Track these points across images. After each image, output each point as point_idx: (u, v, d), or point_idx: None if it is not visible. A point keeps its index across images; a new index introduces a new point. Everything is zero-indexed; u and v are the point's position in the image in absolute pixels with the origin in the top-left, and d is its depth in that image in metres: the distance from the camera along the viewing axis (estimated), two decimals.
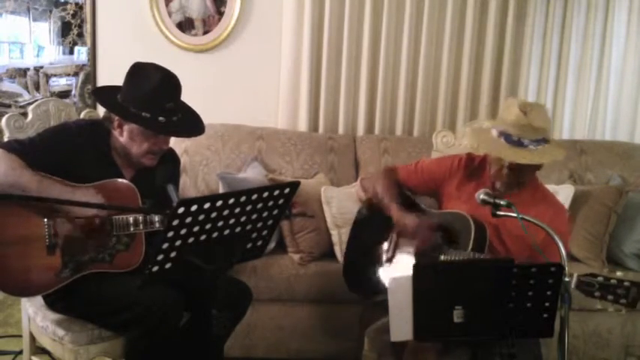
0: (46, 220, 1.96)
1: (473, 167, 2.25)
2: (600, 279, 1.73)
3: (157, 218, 2.02)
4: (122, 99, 2.06)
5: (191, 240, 1.60)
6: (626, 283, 1.70)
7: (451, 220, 2.15)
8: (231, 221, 1.64)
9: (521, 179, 2.10)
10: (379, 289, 2.24)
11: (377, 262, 2.30)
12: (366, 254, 2.36)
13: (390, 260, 2.27)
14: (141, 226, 2.03)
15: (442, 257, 2.09)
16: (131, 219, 2.02)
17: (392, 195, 2.30)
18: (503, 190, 2.13)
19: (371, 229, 2.37)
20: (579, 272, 1.76)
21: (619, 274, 1.73)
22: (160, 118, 2.03)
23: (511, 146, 2.01)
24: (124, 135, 2.07)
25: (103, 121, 2.13)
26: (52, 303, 2.13)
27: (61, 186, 1.97)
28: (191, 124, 2.17)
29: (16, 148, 1.98)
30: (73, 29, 3.49)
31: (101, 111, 2.27)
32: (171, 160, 2.27)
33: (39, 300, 2.19)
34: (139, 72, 2.06)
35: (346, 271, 2.43)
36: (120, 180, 2.08)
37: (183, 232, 1.57)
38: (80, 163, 2.04)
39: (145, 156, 2.09)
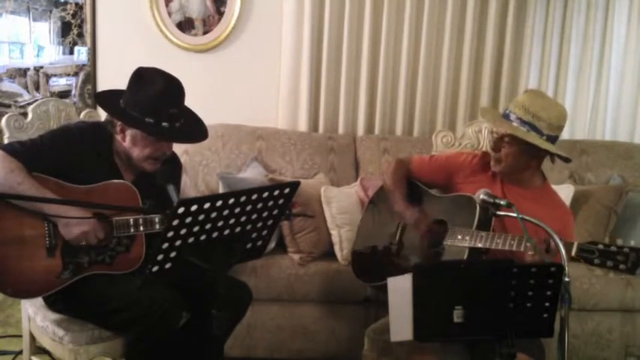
0: (46, 222, 1.96)
1: (485, 163, 2.26)
2: (600, 246, 1.75)
3: (157, 219, 2.02)
4: (125, 104, 2.06)
5: (191, 240, 1.60)
6: (625, 249, 1.71)
7: (456, 202, 2.18)
8: (231, 221, 1.64)
9: (508, 158, 2.10)
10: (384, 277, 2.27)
11: (384, 250, 2.33)
12: (374, 241, 2.38)
13: (397, 250, 2.28)
14: (141, 228, 2.02)
15: (447, 242, 2.09)
16: (131, 220, 2.01)
17: (399, 187, 2.34)
18: (493, 167, 2.16)
19: (380, 217, 2.41)
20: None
21: (619, 241, 1.74)
22: (164, 124, 2.02)
23: (500, 118, 2.11)
24: (126, 140, 2.07)
25: (105, 125, 2.13)
26: (52, 303, 2.12)
27: (60, 191, 1.96)
28: (194, 130, 2.17)
29: (17, 150, 1.98)
30: (73, 29, 3.49)
31: (102, 112, 2.26)
32: (172, 161, 2.27)
33: (39, 300, 2.19)
34: (143, 77, 2.06)
35: (354, 257, 2.46)
36: (119, 181, 2.08)
37: (183, 232, 1.57)
38: (82, 165, 2.04)
39: (146, 161, 2.08)
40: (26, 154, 1.97)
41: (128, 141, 2.07)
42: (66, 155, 2.02)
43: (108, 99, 2.14)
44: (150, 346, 1.98)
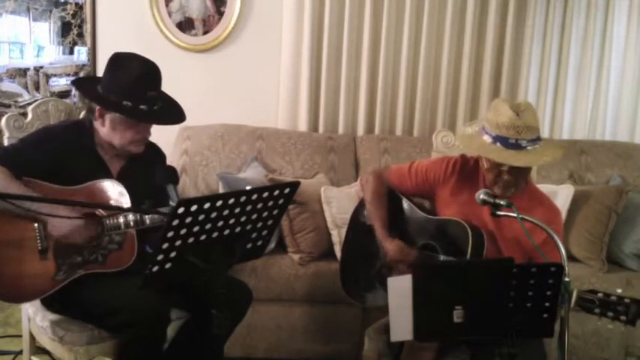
0: (36, 224, 1.95)
1: (467, 170, 2.20)
2: (600, 295, 1.73)
3: (147, 216, 2.02)
4: (103, 89, 2.07)
5: (191, 240, 1.60)
6: (626, 300, 1.70)
7: (447, 228, 2.13)
8: (231, 221, 1.64)
9: (519, 181, 2.06)
10: (375, 295, 2.24)
11: (373, 267, 2.29)
12: (362, 257, 2.35)
13: (387, 272, 2.23)
14: (131, 224, 2.03)
15: None
16: (122, 219, 2.02)
17: (379, 209, 2.27)
18: (500, 193, 2.04)
19: (366, 231, 2.36)
20: (579, 287, 1.76)
21: (619, 291, 1.73)
22: (142, 107, 2.03)
23: (509, 150, 1.95)
24: (105, 124, 2.07)
25: (85, 120, 2.14)
26: (49, 304, 2.12)
27: (47, 193, 1.96)
28: (172, 112, 2.17)
29: (1, 155, 1.98)
30: (73, 29, 3.49)
31: None
32: (159, 157, 2.28)
33: (37, 300, 2.18)
34: (119, 61, 2.07)
35: (342, 272, 2.43)
36: (106, 180, 2.07)
37: (183, 232, 1.57)
38: (67, 163, 2.04)
39: (130, 145, 2.09)
40: (10, 158, 1.98)
41: (107, 126, 2.07)
42: (49, 155, 2.03)
43: (86, 85, 2.15)
44: (140, 348, 1.99)
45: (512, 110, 1.95)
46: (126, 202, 2.05)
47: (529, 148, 1.95)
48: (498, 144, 1.97)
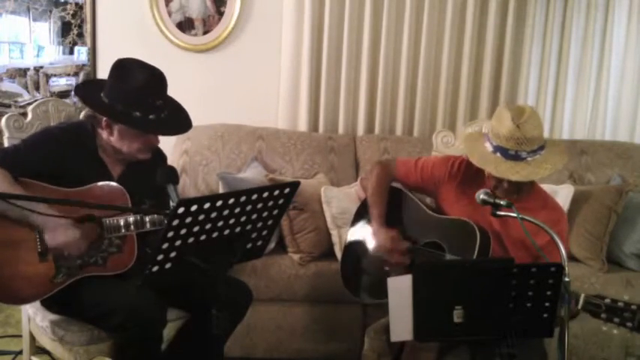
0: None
1: (472, 171, 2.19)
2: (607, 301, 1.74)
3: (147, 219, 2.02)
4: (109, 98, 2.05)
5: (191, 240, 1.60)
6: (633, 307, 1.70)
7: (455, 227, 2.12)
8: (231, 221, 1.64)
9: (521, 189, 2.04)
10: (376, 292, 2.24)
11: (373, 265, 2.30)
12: (363, 254, 2.35)
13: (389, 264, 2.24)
14: (132, 227, 2.02)
15: None
16: (122, 221, 2.01)
17: (379, 199, 2.29)
18: (512, 197, 2.02)
19: (368, 230, 2.36)
20: (586, 292, 1.76)
21: (626, 297, 1.74)
22: (151, 117, 2.03)
23: (508, 161, 1.96)
24: (113, 134, 2.07)
25: (85, 122, 2.13)
26: (48, 306, 2.12)
27: (48, 194, 1.96)
28: (179, 119, 2.17)
29: (1, 157, 1.98)
30: (73, 29, 3.49)
31: None
32: (160, 158, 2.27)
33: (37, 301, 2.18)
34: (125, 69, 2.05)
35: (343, 270, 2.43)
36: (107, 183, 2.07)
37: (183, 232, 1.57)
38: (68, 166, 2.03)
39: (138, 152, 2.10)
40: (9, 159, 1.97)
41: (116, 136, 2.07)
42: (50, 157, 2.02)
43: (90, 94, 2.13)
44: (137, 350, 1.99)
45: (512, 122, 1.94)
46: (126, 204, 2.05)
47: (529, 159, 1.96)
48: (498, 154, 1.98)
